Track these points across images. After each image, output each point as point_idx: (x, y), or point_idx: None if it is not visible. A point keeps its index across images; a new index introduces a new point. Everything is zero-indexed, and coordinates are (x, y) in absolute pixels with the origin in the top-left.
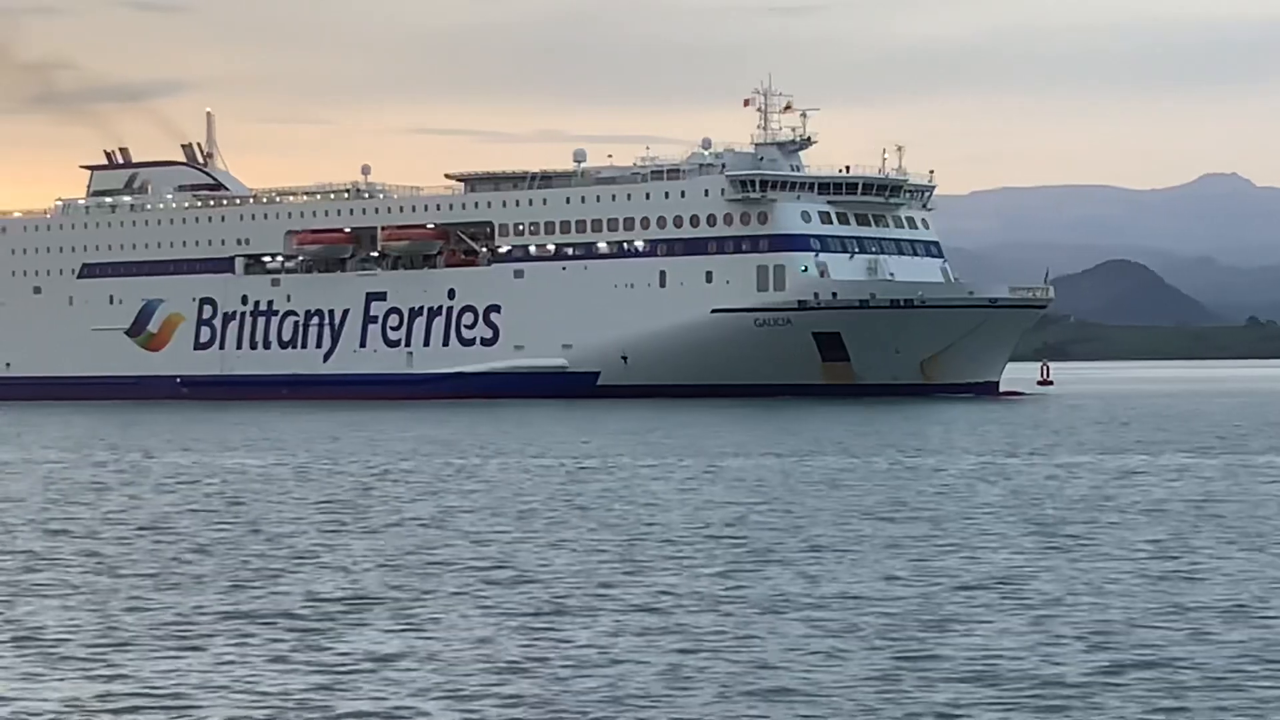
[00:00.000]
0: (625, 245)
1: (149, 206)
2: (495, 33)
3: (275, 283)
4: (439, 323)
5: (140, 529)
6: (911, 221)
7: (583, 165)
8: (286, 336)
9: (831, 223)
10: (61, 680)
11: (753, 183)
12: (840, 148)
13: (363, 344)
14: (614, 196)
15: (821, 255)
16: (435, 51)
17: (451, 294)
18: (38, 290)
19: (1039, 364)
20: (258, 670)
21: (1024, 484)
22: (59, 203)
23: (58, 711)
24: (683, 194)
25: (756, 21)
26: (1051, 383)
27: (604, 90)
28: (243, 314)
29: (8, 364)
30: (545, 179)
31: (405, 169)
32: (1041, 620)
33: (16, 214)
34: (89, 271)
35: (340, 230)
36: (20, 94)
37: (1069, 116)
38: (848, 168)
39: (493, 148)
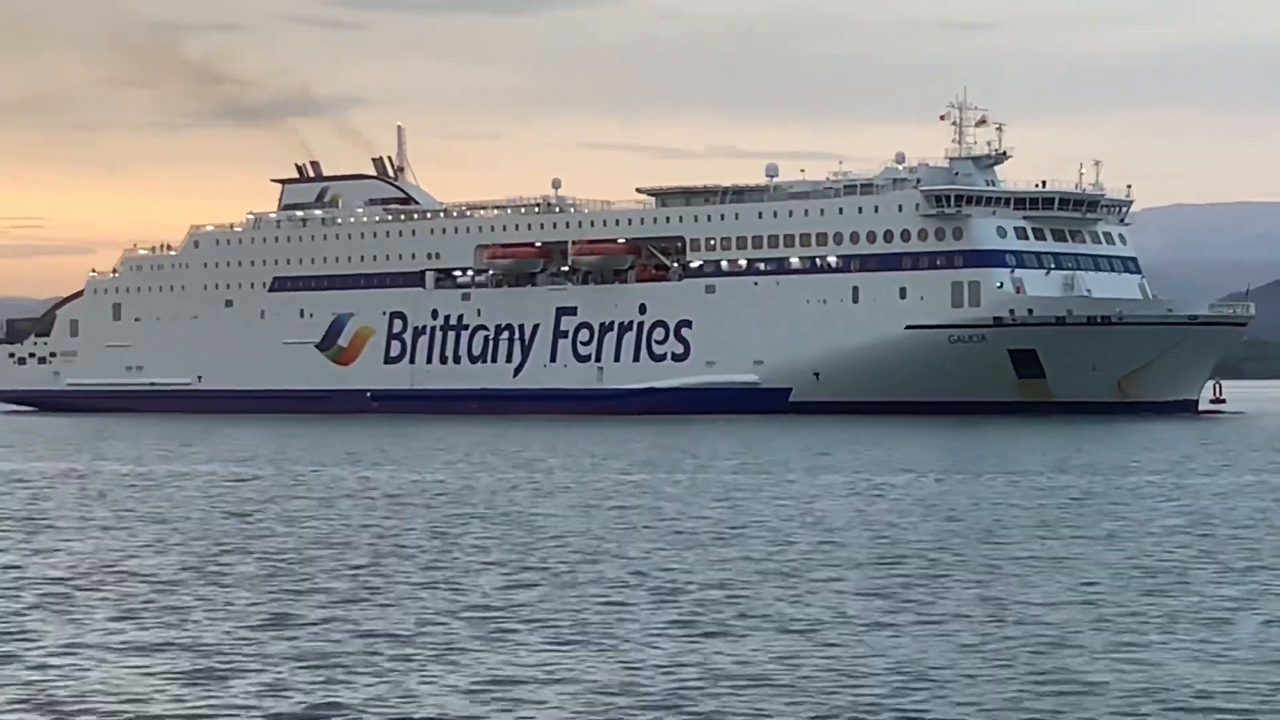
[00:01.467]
0: (818, 260)
1: (340, 220)
2: (674, 47)
3: (465, 297)
4: (630, 338)
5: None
6: (1109, 237)
7: (775, 180)
8: (476, 351)
9: (1027, 238)
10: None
11: (948, 198)
12: (1015, 163)
13: (553, 359)
14: (806, 211)
15: (1017, 271)
16: (615, 65)
17: (642, 309)
18: (229, 303)
19: (1212, 382)
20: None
21: (1213, 504)
22: (250, 216)
23: None
24: (876, 209)
25: (934, 36)
26: (1224, 401)
27: (780, 106)
28: (433, 328)
29: (199, 377)
30: (737, 193)
31: (593, 183)
32: (1210, 641)
33: (209, 227)
34: (280, 285)
35: (531, 244)
36: (207, 107)
37: (1240, 133)
38: (1044, 182)
39: (680, 163)
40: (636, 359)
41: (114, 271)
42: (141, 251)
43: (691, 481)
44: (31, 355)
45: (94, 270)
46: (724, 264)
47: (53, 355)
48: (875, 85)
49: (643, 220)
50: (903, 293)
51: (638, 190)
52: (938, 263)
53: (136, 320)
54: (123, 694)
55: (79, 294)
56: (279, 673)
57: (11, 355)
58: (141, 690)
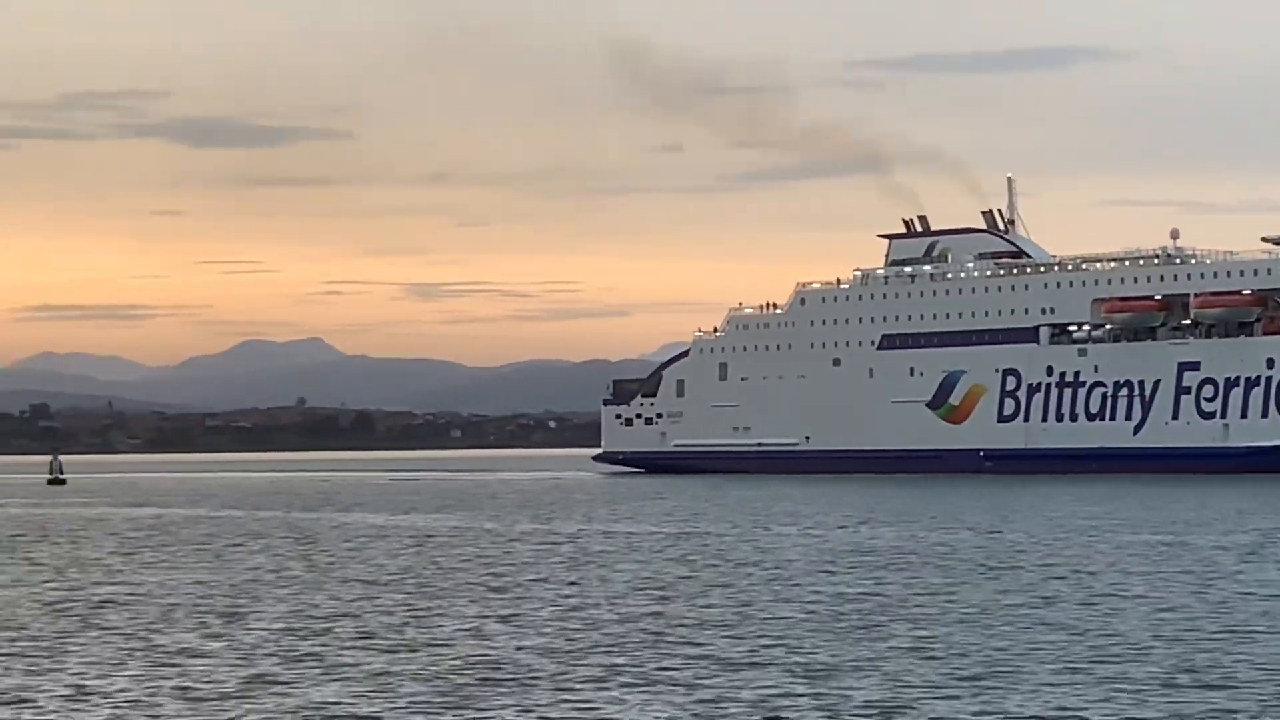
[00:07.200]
0: None
1: (949, 275)
2: (1198, 101)
3: (1082, 352)
4: (1257, 393)
5: None
6: None
7: None
8: (1094, 408)
9: None
10: None
11: None
12: None
13: (1175, 416)
14: None
15: None
16: (1154, 118)
17: (1270, 363)
18: (837, 362)
19: None
20: None
21: None
22: (857, 273)
23: None
24: None
25: None
26: None
27: None
28: (1048, 385)
29: (807, 437)
30: None
31: (1209, 234)
32: None
33: (815, 285)
34: (889, 343)
35: (1150, 297)
36: (733, 169)
37: None
38: None
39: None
40: (1265, 415)
41: (715, 330)
42: (747, 311)
43: None
44: (638, 416)
45: (699, 330)
46: None
47: (659, 416)
48: None
49: (1269, 270)
50: None
51: (1263, 239)
52: None
53: (743, 380)
54: None
55: (684, 354)
56: None
57: (618, 416)
58: None
